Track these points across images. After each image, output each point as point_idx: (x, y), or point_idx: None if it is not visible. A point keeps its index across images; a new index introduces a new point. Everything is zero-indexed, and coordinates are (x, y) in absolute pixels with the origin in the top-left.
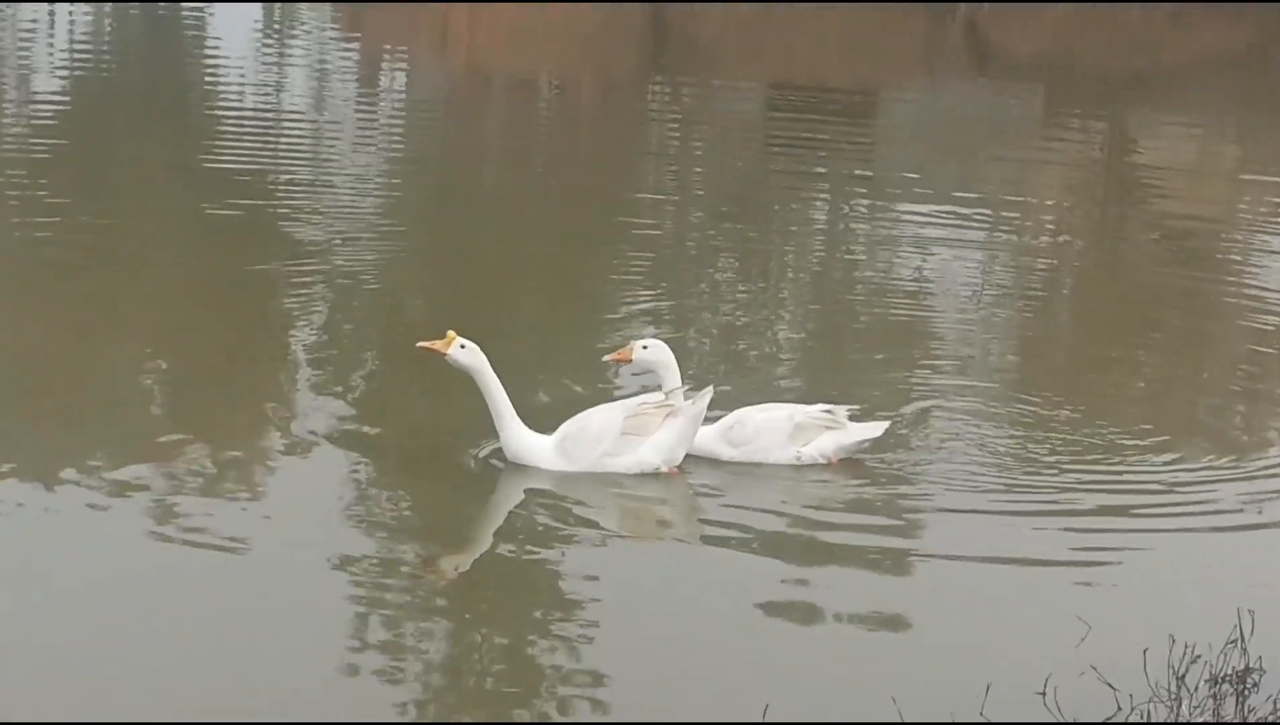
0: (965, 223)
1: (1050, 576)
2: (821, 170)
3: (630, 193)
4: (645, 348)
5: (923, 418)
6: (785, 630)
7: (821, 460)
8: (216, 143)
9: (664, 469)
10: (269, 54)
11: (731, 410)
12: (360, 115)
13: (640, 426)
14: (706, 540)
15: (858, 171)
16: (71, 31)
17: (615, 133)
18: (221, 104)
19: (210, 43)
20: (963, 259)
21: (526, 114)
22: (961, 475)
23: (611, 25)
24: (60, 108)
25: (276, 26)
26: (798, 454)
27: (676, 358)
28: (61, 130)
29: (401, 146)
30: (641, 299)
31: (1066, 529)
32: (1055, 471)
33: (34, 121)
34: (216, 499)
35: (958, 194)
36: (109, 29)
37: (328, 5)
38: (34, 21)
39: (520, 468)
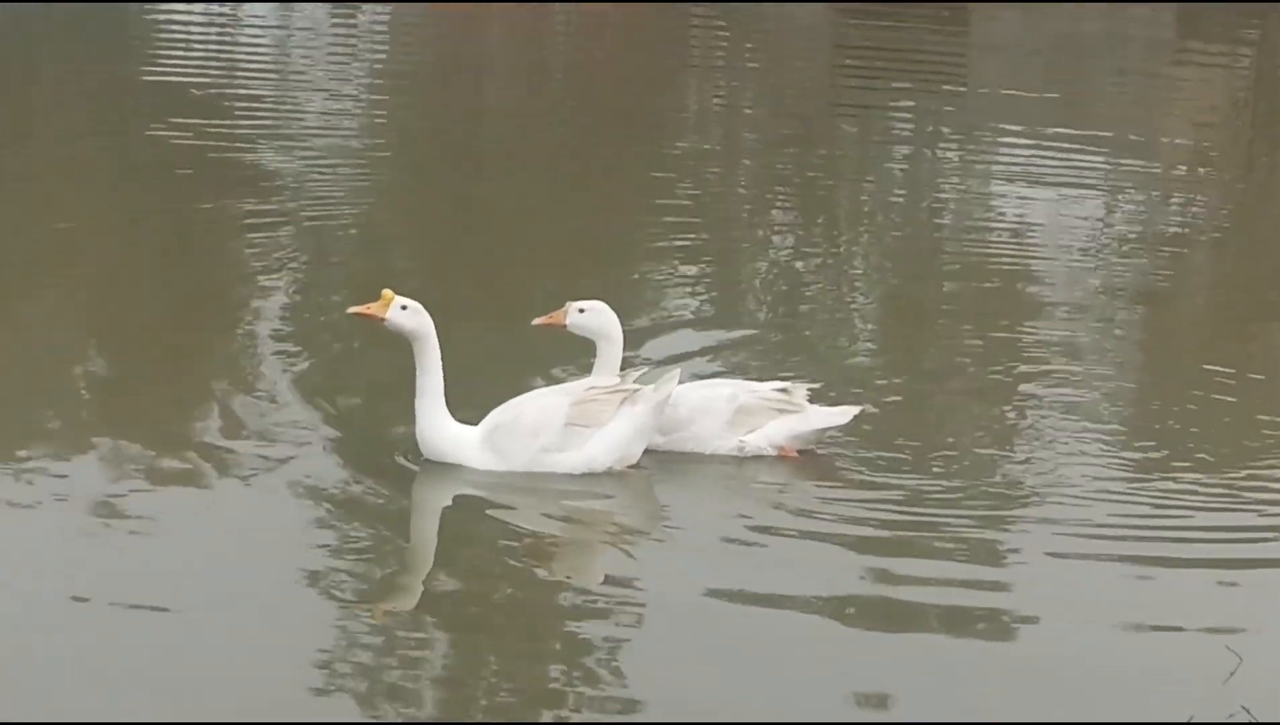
0: (1075, 160)
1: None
2: (902, 87)
3: (668, 113)
4: (582, 311)
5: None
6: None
7: (771, 451)
8: (160, 53)
9: (617, 468)
10: None
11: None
12: (338, 19)
13: (590, 415)
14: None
15: (946, 90)
16: None
17: (648, 44)
18: (165, 7)
19: None
20: (1071, 205)
21: (541, 21)
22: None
23: None
24: None
25: None
26: (740, 443)
27: (714, 323)
28: None
29: (386, 57)
30: (676, 251)
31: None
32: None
33: None
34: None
35: (1066, 129)
36: None
37: None
38: None
39: (438, 467)
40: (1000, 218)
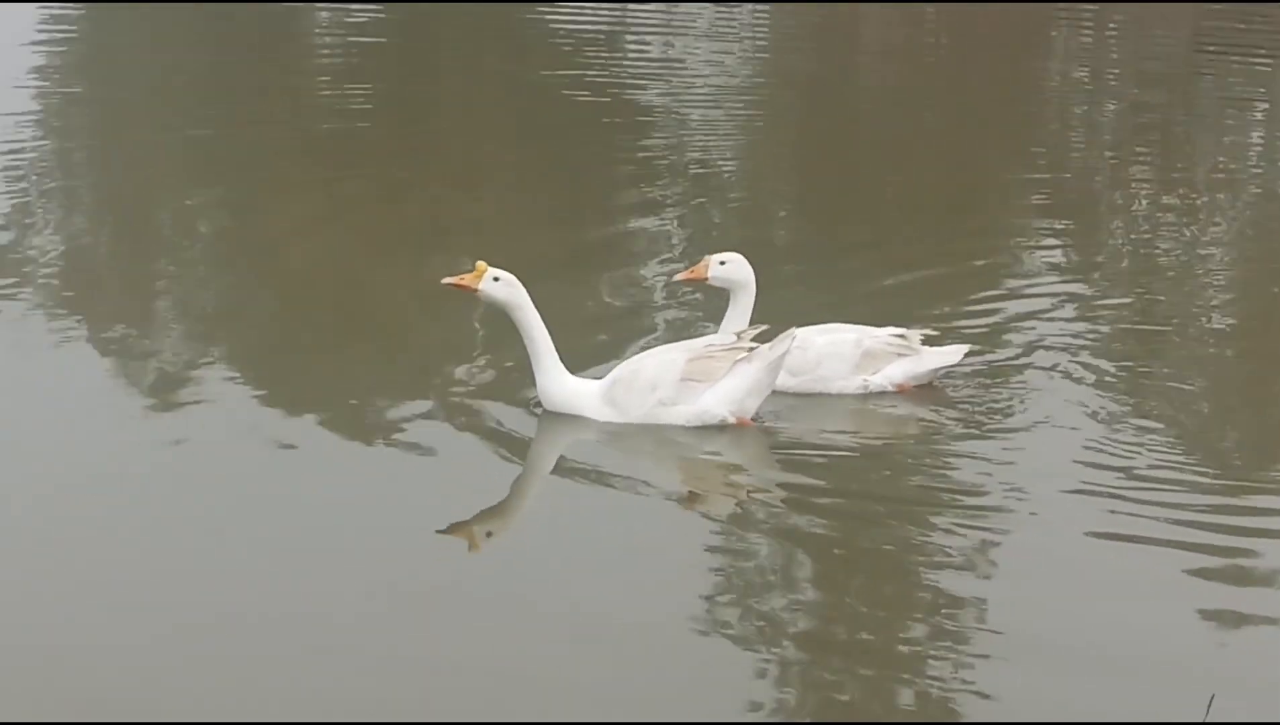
0: None
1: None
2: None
3: (1032, 125)
4: (723, 263)
5: None
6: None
7: (891, 388)
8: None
9: (731, 420)
10: None
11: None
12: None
13: (705, 371)
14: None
15: None
16: None
17: (1011, 66)
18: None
19: None
20: None
21: (909, 40)
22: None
23: None
24: (375, 15)
25: None
26: (865, 382)
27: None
28: (381, 30)
29: (766, 64)
30: (1043, 245)
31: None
32: None
33: (348, 21)
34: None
35: None
36: None
37: None
38: None
39: (560, 418)
40: None
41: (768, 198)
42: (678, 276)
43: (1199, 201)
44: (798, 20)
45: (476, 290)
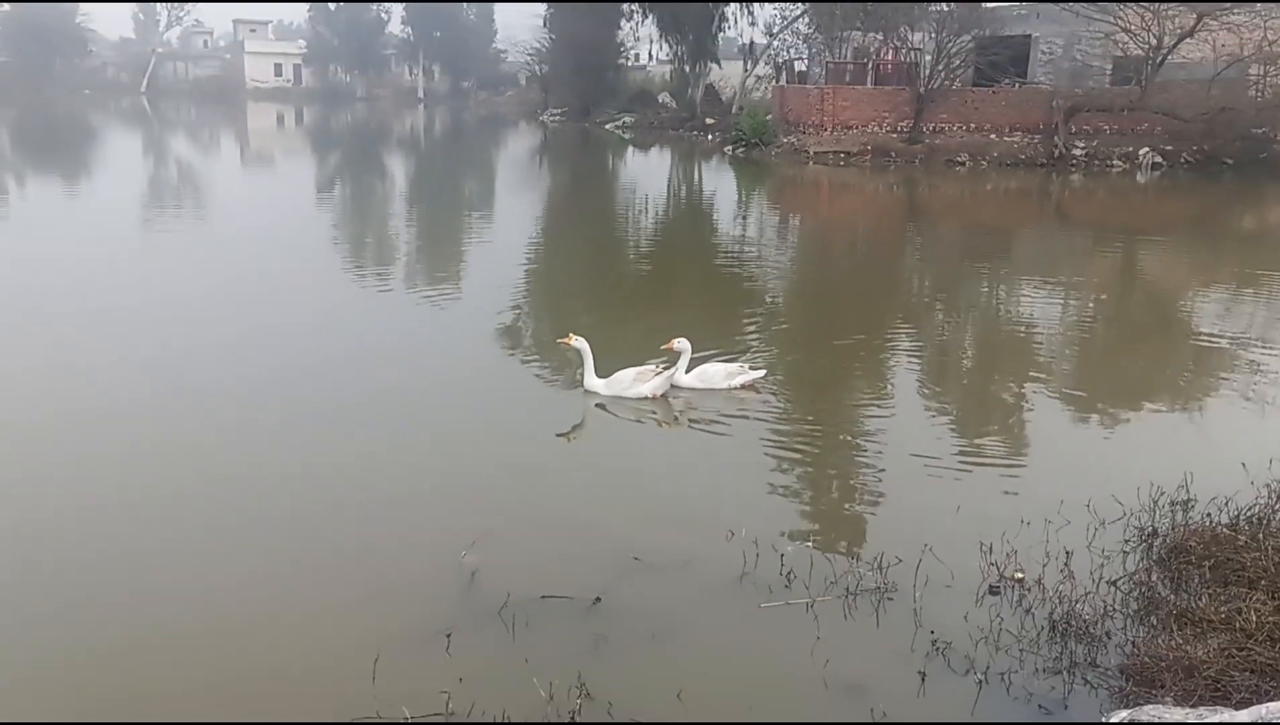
0: None
1: None
2: None
3: None
4: (677, 342)
5: None
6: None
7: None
8: None
9: (651, 396)
10: None
11: None
12: None
13: (645, 377)
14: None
15: None
16: None
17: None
18: None
19: None
20: None
21: None
22: None
23: None
24: None
25: None
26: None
27: None
28: None
29: None
30: None
31: None
32: None
33: None
34: None
35: None
36: None
37: None
38: None
39: (590, 395)
40: None
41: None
42: (663, 346)
43: None
44: None
45: (568, 342)
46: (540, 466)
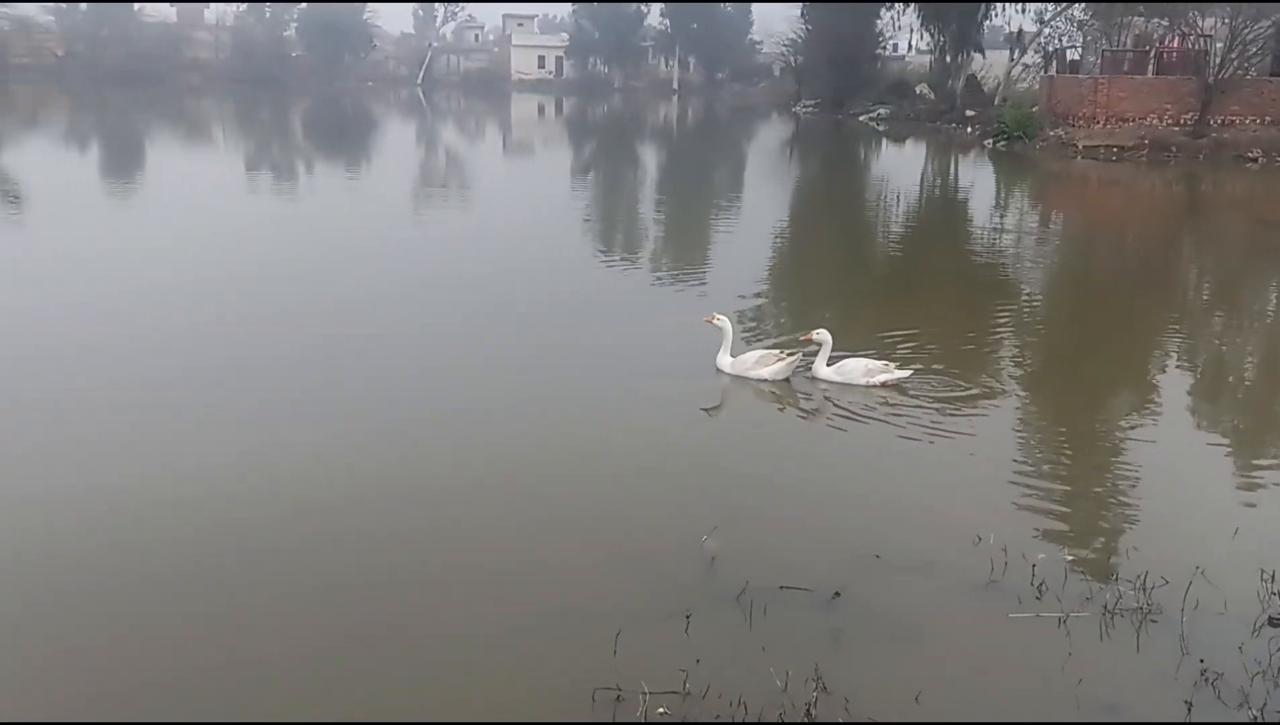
0: None
1: None
2: None
3: None
4: (817, 332)
5: None
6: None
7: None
8: None
9: (777, 380)
10: None
11: None
12: None
13: (767, 362)
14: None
15: None
16: None
17: None
18: None
19: None
20: None
21: None
22: None
23: None
24: None
25: None
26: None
27: None
28: None
29: None
30: None
31: None
32: None
33: None
34: None
35: None
36: None
37: None
38: None
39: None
40: None
41: None
42: (802, 337)
43: None
44: None
45: (712, 320)
46: (781, 455)
